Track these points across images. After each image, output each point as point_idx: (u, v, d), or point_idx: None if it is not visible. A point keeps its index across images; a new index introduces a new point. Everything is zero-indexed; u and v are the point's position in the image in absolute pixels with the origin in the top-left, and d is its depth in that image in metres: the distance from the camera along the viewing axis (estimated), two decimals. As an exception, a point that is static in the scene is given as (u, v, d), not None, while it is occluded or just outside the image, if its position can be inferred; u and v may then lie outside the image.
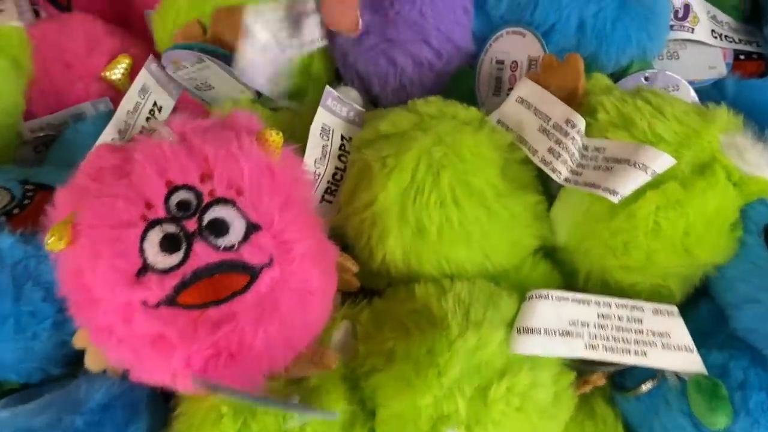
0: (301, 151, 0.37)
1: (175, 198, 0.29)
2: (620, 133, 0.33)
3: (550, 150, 0.34)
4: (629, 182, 0.31)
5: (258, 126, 0.32)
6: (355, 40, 0.44)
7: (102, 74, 0.48)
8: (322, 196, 0.38)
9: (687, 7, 0.46)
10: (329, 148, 0.38)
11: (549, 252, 0.37)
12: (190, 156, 0.29)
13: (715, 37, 0.46)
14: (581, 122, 0.34)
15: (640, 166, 0.32)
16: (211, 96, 0.46)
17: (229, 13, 0.44)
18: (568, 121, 0.34)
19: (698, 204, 0.32)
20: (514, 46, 0.41)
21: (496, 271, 0.36)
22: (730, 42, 0.47)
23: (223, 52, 0.43)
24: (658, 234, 0.32)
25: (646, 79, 0.42)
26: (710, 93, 0.44)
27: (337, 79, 0.48)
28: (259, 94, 0.45)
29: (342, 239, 0.38)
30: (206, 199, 0.29)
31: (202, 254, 0.28)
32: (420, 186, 0.34)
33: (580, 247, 0.35)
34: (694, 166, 0.33)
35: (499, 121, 0.37)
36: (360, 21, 0.42)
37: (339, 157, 0.39)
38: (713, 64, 0.46)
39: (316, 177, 0.38)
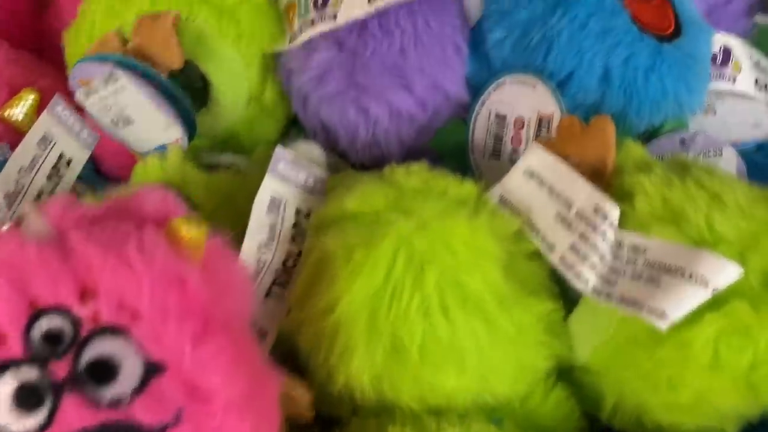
0: (241, 233, 0.29)
1: (41, 326, 0.20)
2: (667, 228, 0.25)
3: (573, 248, 0.26)
4: (683, 302, 0.23)
5: (174, 212, 0.24)
6: (317, 82, 0.35)
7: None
8: (269, 289, 0.30)
9: (727, 52, 0.38)
10: (279, 227, 0.30)
11: (565, 371, 0.29)
12: (66, 263, 0.21)
13: (759, 89, 0.39)
14: (614, 211, 0.26)
15: (698, 278, 0.23)
16: (132, 136, 0.37)
17: (154, 21, 0.35)
18: (596, 209, 0.26)
19: (772, 329, 0.24)
20: (519, 98, 0.33)
21: (497, 402, 0.27)
22: (776, 94, 0.40)
23: (143, 67, 0.34)
24: (716, 368, 0.24)
25: (682, 142, 0.34)
26: (754, 158, 0.37)
27: (296, 120, 0.40)
28: (191, 133, 0.36)
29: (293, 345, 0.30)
30: (86, 328, 0.20)
31: (75, 413, 0.20)
32: (397, 288, 0.26)
33: (608, 372, 0.27)
34: (765, 277, 0.25)
35: (501, 199, 0.29)
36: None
37: (293, 238, 0.30)
38: (758, 121, 0.38)
39: (261, 266, 0.29)
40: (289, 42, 0.37)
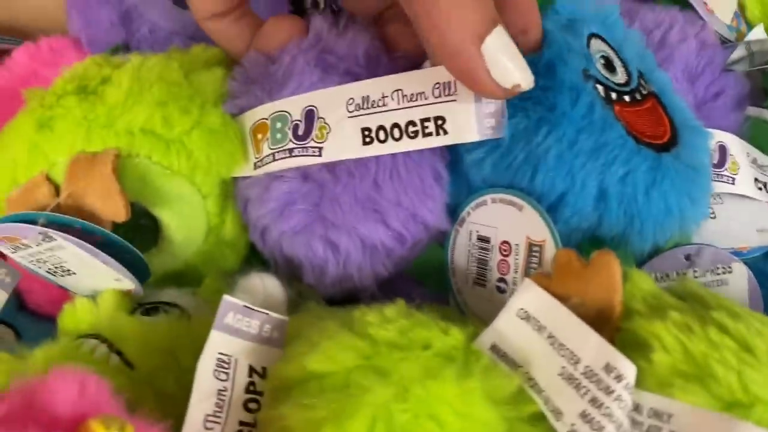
0: (187, 398, 0.25)
1: None
2: (693, 388, 0.22)
3: (584, 415, 0.22)
4: (724, 489, 0.20)
5: (95, 407, 0.20)
6: (278, 215, 0.31)
7: None
8: (220, 470, 0.25)
9: (723, 150, 0.36)
10: (229, 392, 0.25)
11: None
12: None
13: (760, 188, 0.36)
14: (630, 371, 0.22)
15: (738, 458, 0.20)
16: (74, 285, 0.33)
17: (90, 164, 0.31)
18: (608, 368, 0.22)
19: None
20: (504, 219, 0.30)
21: None
22: (777, 194, 0.37)
23: (81, 223, 0.30)
24: None
25: (687, 258, 0.31)
26: (762, 268, 0.34)
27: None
28: (143, 279, 0.32)
29: None
30: None
31: None
32: (375, 474, 0.22)
33: None
34: (813, 446, 0.21)
35: (494, 348, 0.25)
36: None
37: (246, 404, 0.26)
38: (762, 225, 0.35)
39: (208, 444, 0.25)
40: (255, 168, 0.32)
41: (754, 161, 0.37)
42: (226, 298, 0.26)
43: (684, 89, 0.37)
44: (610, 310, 0.24)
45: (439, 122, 0.29)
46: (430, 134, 0.29)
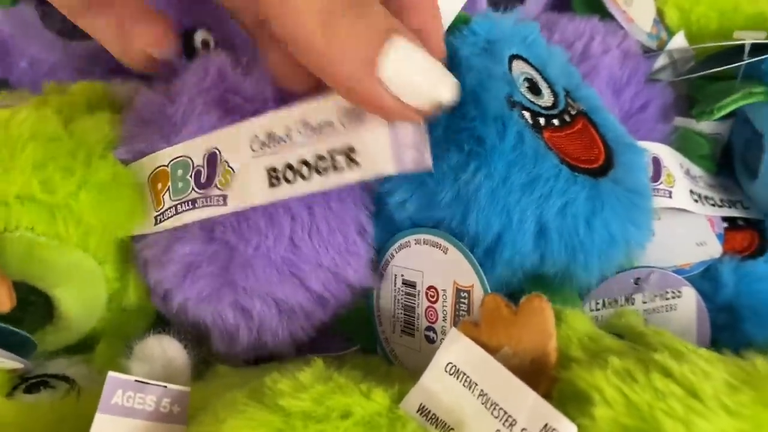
0: None
1: None
2: (639, 444, 0.20)
3: (523, 486, 0.20)
4: None
5: None
6: (181, 279, 0.28)
7: None
8: None
9: (657, 163, 0.35)
10: (122, 485, 0.22)
11: None
12: None
13: (696, 200, 0.35)
14: (570, 430, 0.20)
15: None
16: None
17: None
18: (547, 429, 0.20)
19: None
20: (429, 262, 0.28)
21: None
22: (712, 205, 0.36)
23: None
24: None
25: (636, 282, 0.30)
26: (701, 287, 0.33)
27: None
28: (30, 352, 0.28)
29: None
30: None
31: None
32: None
33: None
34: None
35: (422, 409, 0.23)
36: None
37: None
38: (701, 239, 0.34)
39: None
40: (156, 222, 0.29)
41: (687, 172, 0.36)
42: (112, 375, 0.23)
43: (610, 102, 0.36)
44: (545, 358, 0.22)
45: (351, 153, 0.24)
46: (341, 169, 0.25)
